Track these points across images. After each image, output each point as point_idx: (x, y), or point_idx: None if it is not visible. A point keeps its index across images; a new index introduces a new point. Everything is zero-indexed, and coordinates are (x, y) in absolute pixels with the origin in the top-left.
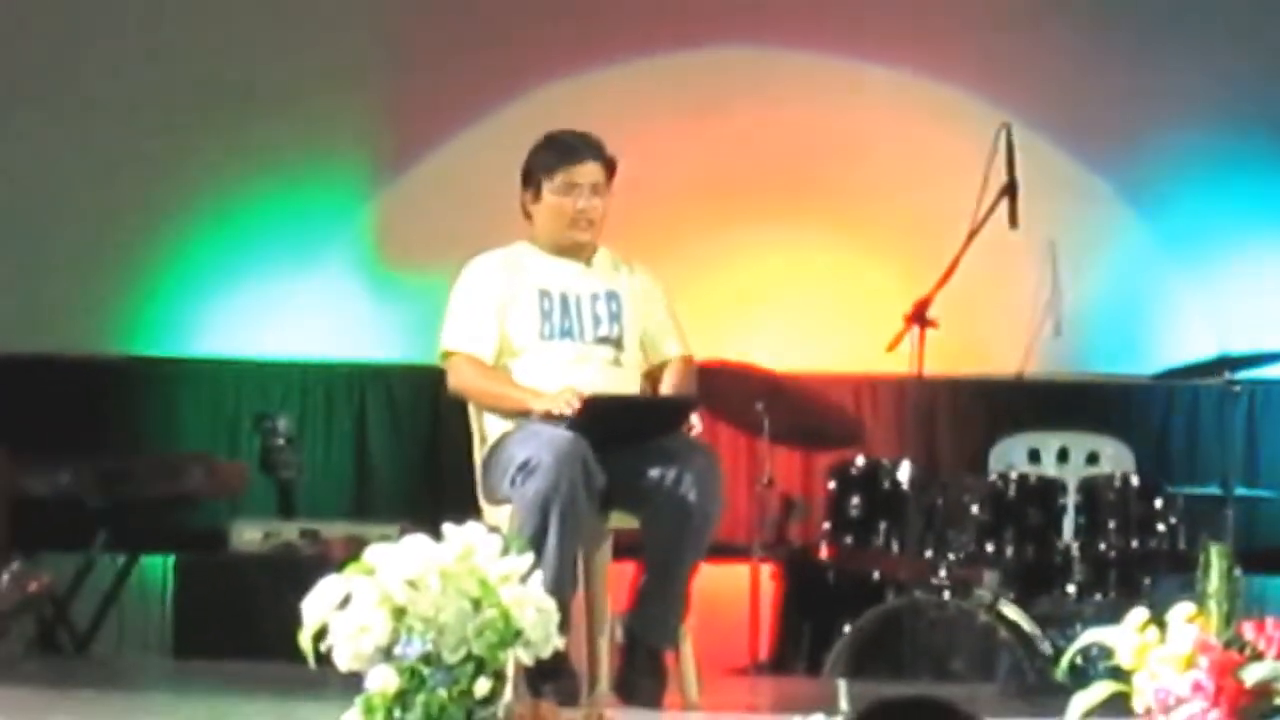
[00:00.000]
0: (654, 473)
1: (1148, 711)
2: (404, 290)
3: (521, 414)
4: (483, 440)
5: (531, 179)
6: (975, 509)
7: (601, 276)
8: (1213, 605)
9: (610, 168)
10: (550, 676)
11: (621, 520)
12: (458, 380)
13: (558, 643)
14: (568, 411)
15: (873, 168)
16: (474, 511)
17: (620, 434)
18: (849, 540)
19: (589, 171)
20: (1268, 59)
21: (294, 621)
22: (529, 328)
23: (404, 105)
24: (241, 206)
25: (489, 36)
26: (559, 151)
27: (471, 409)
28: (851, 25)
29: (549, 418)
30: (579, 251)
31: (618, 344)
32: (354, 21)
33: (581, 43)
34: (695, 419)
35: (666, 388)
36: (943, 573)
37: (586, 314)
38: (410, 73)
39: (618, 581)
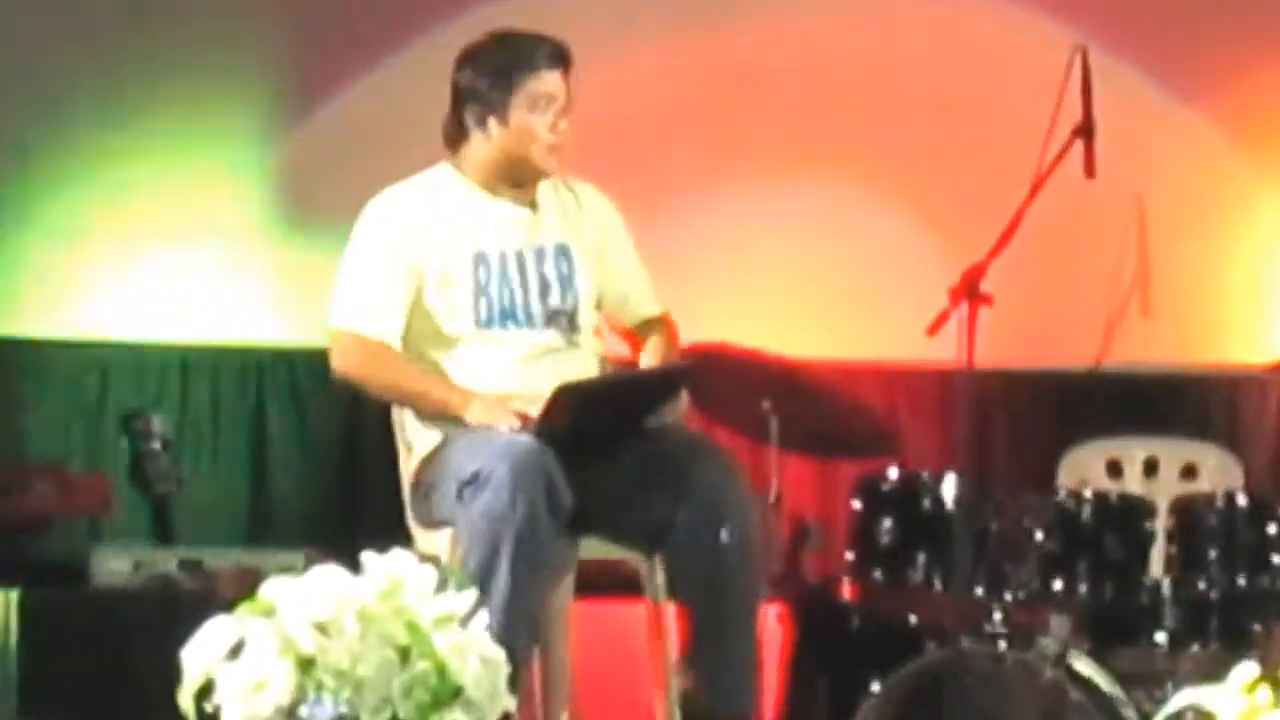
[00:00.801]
0: (660, 494)
1: None
2: (310, 256)
3: (445, 415)
4: (409, 449)
5: (476, 100)
6: (1040, 536)
7: (548, 225)
8: None
9: (568, 73)
10: None
11: (597, 549)
12: (347, 368)
13: (508, 704)
14: (515, 425)
15: (909, 103)
16: (401, 536)
17: (599, 429)
18: (878, 575)
19: (557, 81)
20: None
21: (172, 675)
22: (462, 312)
23: (309, 32)
24: (111, 157)
25: None
26: (522, 53)
27: (395, 411)
28: None
29: (517, 423)
30: (525, 191)
31: (571, 319)
32: None
33: None
34: (683, 400)
35: (650, 358)
36: (998, 617)
37: (533, 283)
38: None
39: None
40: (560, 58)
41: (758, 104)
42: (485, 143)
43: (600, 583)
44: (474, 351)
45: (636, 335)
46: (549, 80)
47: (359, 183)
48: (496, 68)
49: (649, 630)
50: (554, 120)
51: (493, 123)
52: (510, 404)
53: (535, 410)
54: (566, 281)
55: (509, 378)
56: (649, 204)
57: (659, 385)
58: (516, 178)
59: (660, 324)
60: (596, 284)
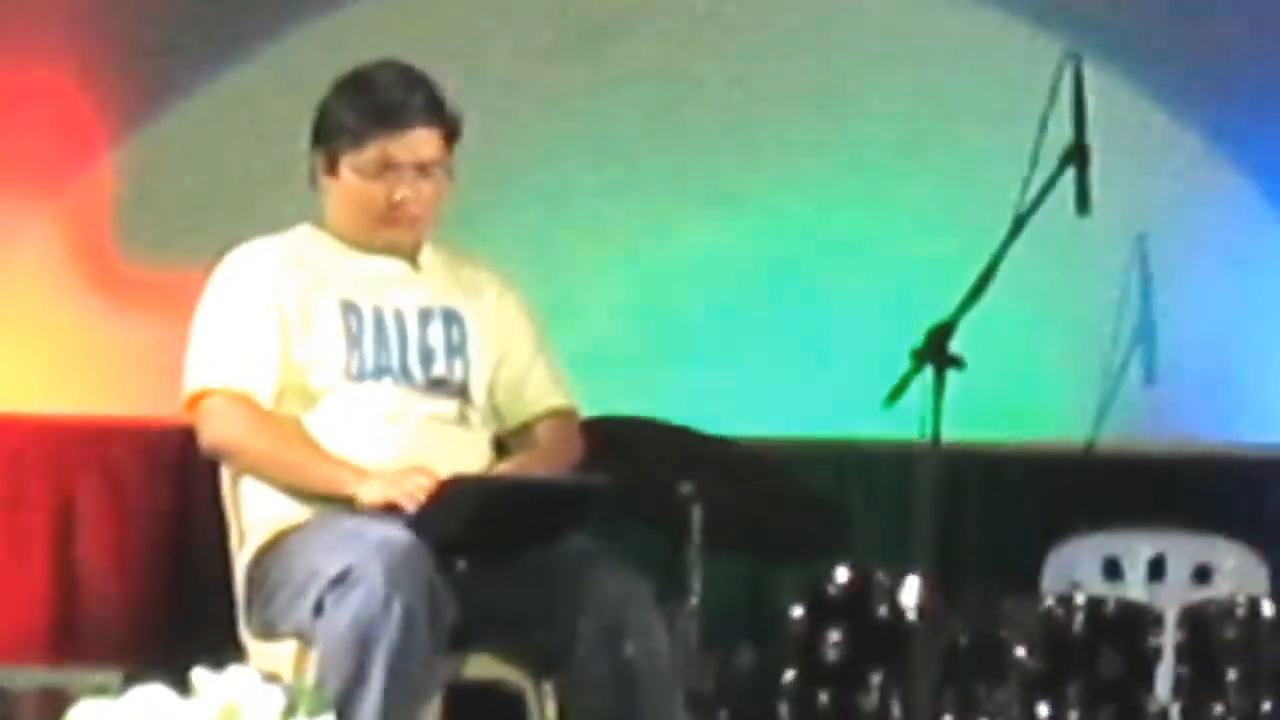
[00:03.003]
0: (554, 608)
1: None
2: (131, 302)
3: (336, 500)
4: (243, 539)
5: (325, 142)
6: (1021, 652)
7: (435, 286)
8: None
9: (451, 132)
10: None
11: (489, 667)
12: (223, 433)
13: None
14: (410, 506)
15: (867, 122)
16: (240, 649)
17: (489, 538)
18: (824, 700)
19: (415, 143)
20: None
21: None
22: (329, 361)
23: (135, 33)
24: None
25: None
26: (370, 110)
27: (228, 487)
28: None
29: (386, 510)
30: (396, 249)
31: (461, 392)
32: None
33: None
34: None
35: (545, 460)
36: None
37: (413, 342)
38: None
39: None
40: (431, 112)
41: (682, 134)
42: (333, 197)
43: (472, 709)
44: (342, 405)
45: (532, 431)
46: (405, 142)
47: (186, 216)
48: (345, 121)
49: None
50: (405, 185)
51: (331, 176)
52: (413, 479)
53: (419, 498)
54: (456, 349)
55: (384, 436)
56: (538, 248)
57: (571, 499)
58: (376, 243)
59: (562, 422)
60: (489, 363)
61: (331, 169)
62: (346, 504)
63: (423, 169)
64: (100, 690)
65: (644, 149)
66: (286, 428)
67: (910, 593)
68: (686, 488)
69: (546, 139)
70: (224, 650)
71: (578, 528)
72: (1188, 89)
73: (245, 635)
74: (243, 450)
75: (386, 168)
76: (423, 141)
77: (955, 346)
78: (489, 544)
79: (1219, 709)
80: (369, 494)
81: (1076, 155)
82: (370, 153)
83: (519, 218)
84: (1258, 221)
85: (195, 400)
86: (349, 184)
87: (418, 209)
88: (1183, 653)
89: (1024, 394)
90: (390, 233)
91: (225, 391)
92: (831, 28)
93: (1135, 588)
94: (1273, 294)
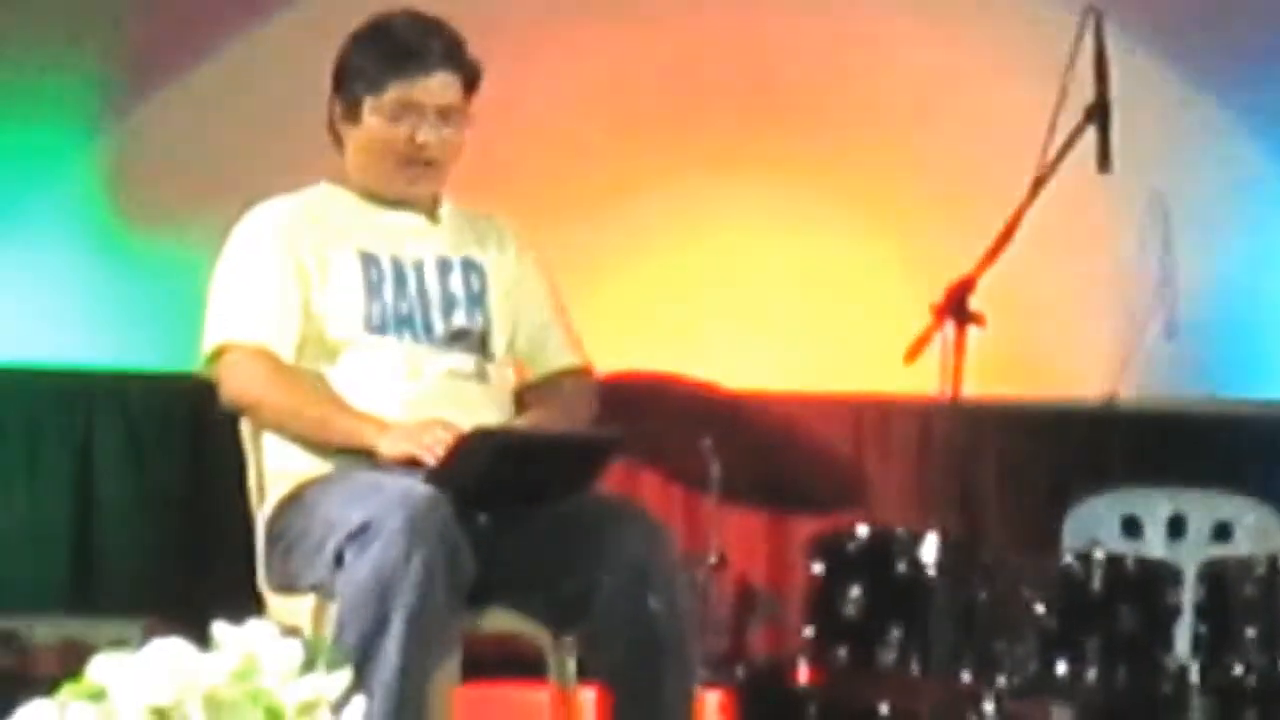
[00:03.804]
0: (575, 562)
1: None
2: (149, 260)
3: (354, 453)
4: (263, 493)
5: (347, 90)
6: (1040, 608)
7: (453, 237)
8: None
9: (471, 80)
10: None
11: (509, 622)
12: (243, 387)
13: None
14: (430, 460)
15: (881, 86)
16: (259, 603)
17: (510, 490)
18: (843, 655)
19: (438, 87)
20: None
21: None
22: (349, 311)
23: (134, 20)
24: None
25: None
26: (391, 55)
27: (249, 440)
28: None
29: (406, 464)
30: (416, 199)
31: (481, 344)
32: None
33: None
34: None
35: (562, 416)
36: (989, 707)
37: (433, 294)
38: None
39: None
40: (451, 59)
41: (697, 96)
42: (352, 145)
43: (491, 663)
44: (361, 358)
45: (549, 386)
46: (425, 86)
47: (203, 177)
48: (367, 65)
49: (555, 717)
50: (427, 128)
51: (352, 123)
52: (432, 432)
53: (440, 451)
54: (476, 299)
55: (403, 393)
56: (564, 211)
57: (589, 452)
58: (391, 192)
59: (578, 379)
60: (508, 315)
61: (352, 115)
62: (367, 457)
63: (443, 113)
64: (120, 642)
65: (659, 106)
66: (307, 382)
67: (929, 549)
68: (706, 443)
69: (563, 92)
70: (243, 603)
71: (594, 479)
72: (1204, 51)
73: (265, 588)
74: (263, 404)
75: (408, 109)
76: (444, 85)
77: (975, 303)
78: (508, 496)
79: (1238, 667)
80: (390, 447)
81: (1098, 113)
82: (391, 94)
83: (534, 169)
84: (1273, 180)
85: (216, 355)
86: (370, 128)
87: (438, 152)
88: (1201, 610)
89: (1044, 351)
90: (411, 174)
91: (245, 346)
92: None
93: (1154, 545)
94: None
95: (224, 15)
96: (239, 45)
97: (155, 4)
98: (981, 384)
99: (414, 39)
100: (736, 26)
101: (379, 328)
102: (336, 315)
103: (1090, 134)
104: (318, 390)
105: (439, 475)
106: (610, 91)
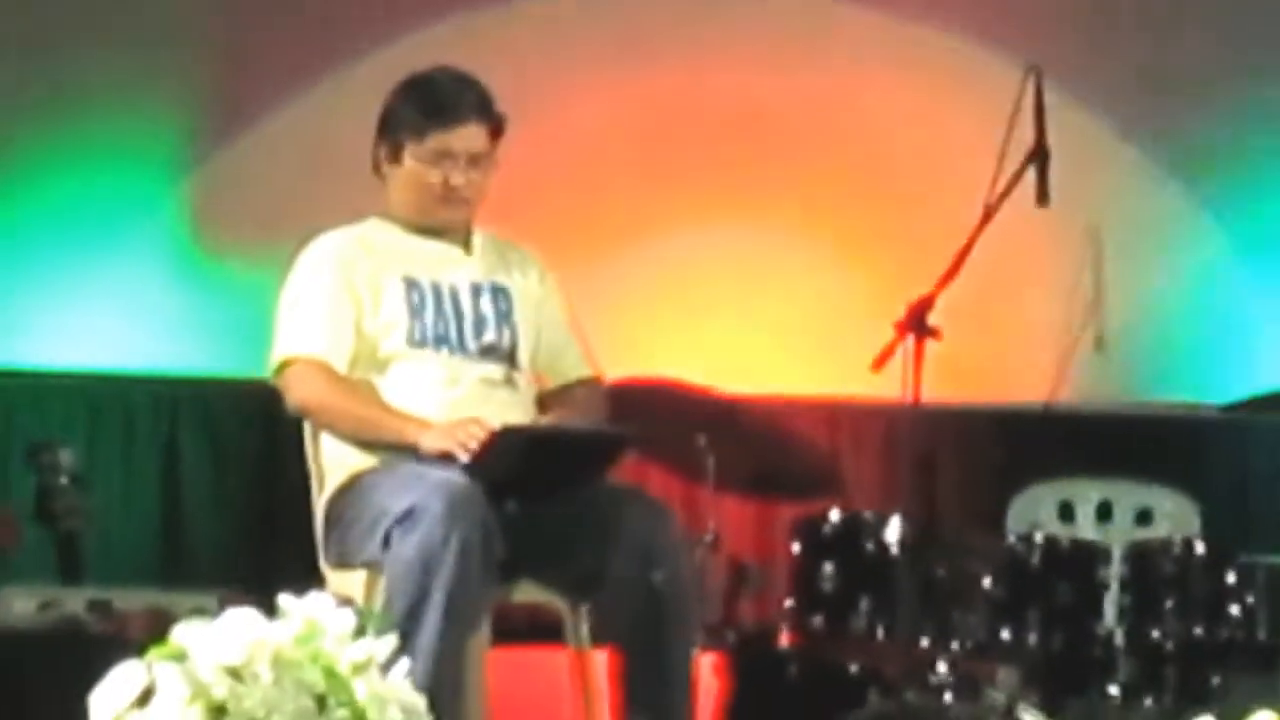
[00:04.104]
0: (590, 541)
1: None
2: (226, 283)
3: (400, 449)
4: (322, 483)
5: (390, 135)
6: (988, 582)
7: (484, 264)
8: None
9: (496, 129)
10: None
11: (534, 594)
12: (305, 395)
13: None
14: (464, 455)
15: (854, 131)
16: (319, 578)
17: (534, 480)
18: (819, 622)
19: (468, 136)
20: None
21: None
22: (395, 329)
23: (233, 54)
24: (17, 176)
25: None
26: (430, 107)
27: (310, 439)
28: None
29: (443, 458)
30: (451, 231)
31: (509, 357)
32: None
33: None
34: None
35: (579, 417)
36: (944, 667)
37: (467, 313)
38: (245, 13)
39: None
40: (480, 111)
41: (690, 134)
42: (395, 183)
43: (518, 629)
44: (406, 370)
45: (566, 393)
46: (457, 136)
47: (274, 210)
48: (408, 117)
49: (571, 679)
50: (458, 171)
51: (395, 164)
52: (466, 429)
53: (475, 445)
54: (503, 318)
55: (441, 399)
56: (575, 235)
57: (603, 447)
58: (430, 223)
59: (590, 387)
60: (532, 333)
61: (395, 158)
62: (411, 452)
63: (473, 159)
64: (199, 611)
65: (668, 151)
66: (359, 389)
67: (893, 531)
68: (702, 440)
69: (582, 139)
70: (305, 578)
71: (607, 470)
72: (1131, 104)
73: (324, 565)
74: (322, 409)
75: (443, 154)
76: (475, 134)
77: (933, 319)
78: (534, 485)
79: (1157, 634)
80: (430, 443)
81: (1038, 156)
82: (430, 143)
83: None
84: (1189, 214)
85: (282, 368)
86: (411, 170)
87: (469, 192)
88: (1126, 585)
89: (991, 361)
90: (445, 211)
91: (307, 360)
92: (831, 54)
93: (1086, 528)
94: (1202, 276)
95: (288, 74)
96: (301, 99)
97: (229, 64)
98: (938, 389)
99: (449, 94)
100: (731, 84)
101: (421, 343)
102: (385, 333)
103: (1031, 174)
104: (368, 396)
105: (474, 467)
106: (623, 140)
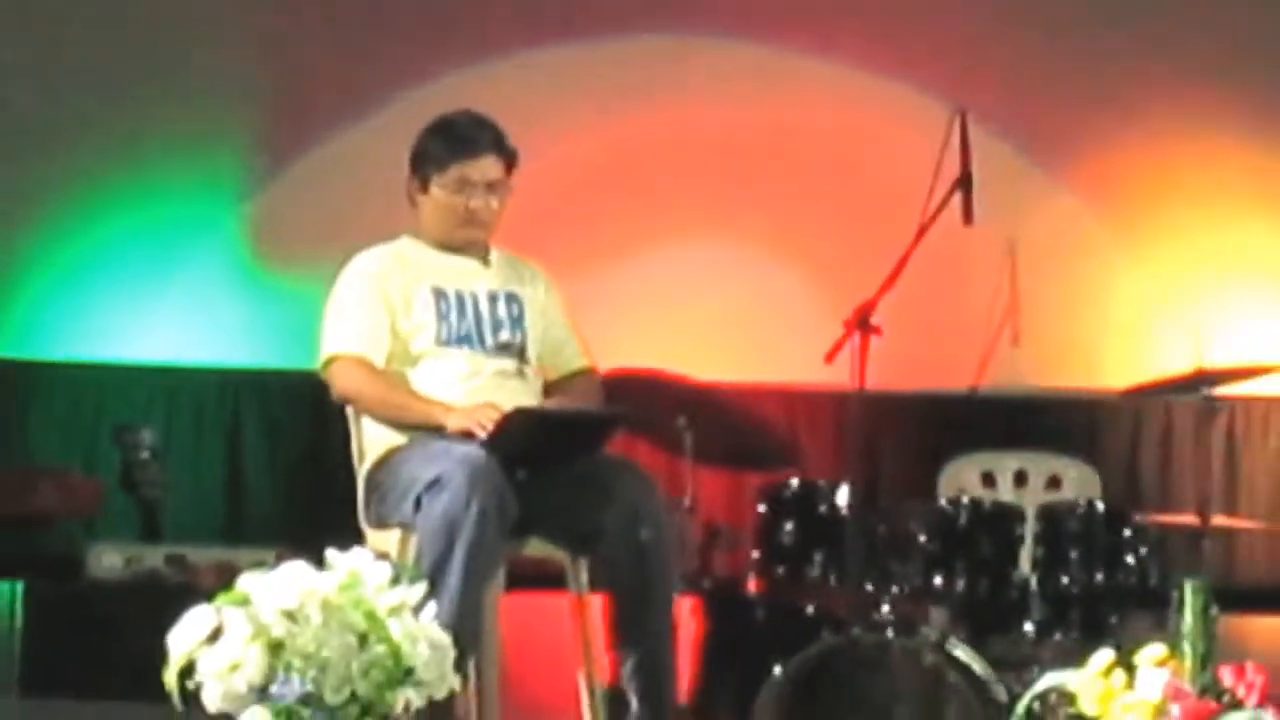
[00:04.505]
0: (589, 504)
1: None
2: (281, 290)
3: (427, 429)
4: (362, 457)
5: (420, 169)
6: (922, 538)
7: (500, 276)
8: (1187, 647)
9: (510, 161)
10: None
11: (542, 549)
12: (347, 385)
13: (454, 684)
14: (482, 434)
15: (809, 162)
16: (360, 536)
17: (541, 453)
18: (781, 571)
19: (485, 168)
20: (1239, 47)
21: (158, 657)
22: (425, 330)
23: (286, 98)
24: (106, 201)
25: (381, 24)
26: (453, 144)
27: (352, 420)
28: (783, 13)
29: (465, 436)
30: (471, 248)
31: (520, 353)
32: (234, 8)
33: (481, 31)
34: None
35: (578, 401)
36: (885, 608)
37: (486, 317)
38: (294, 62)
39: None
40: (496, 146)
41: (680, 174)
42: (424, 209)
43: (527, 577)
44: (434, 365)
45: (567, 382)
46: (476, 167)
47: (322, 228)
48: (434, 152)
49: (573, 620)
50: (478, 197)
51: (424, 193)
52: (484, 412)
53: (491, 425)
54: (516, 322)
55: (464, 389)
56: (575, 249)
57: (598, 425)
58: (455, 242)
59: (588, 376)
60: (539, 332)
61: (424, 188)
62: (438, 431)
63: (491, 187)
64: (259, 564)
65: (654, 177)
66: (393, 379)
67: (843, 496)
68: (681, 420)
69: (580, 169)
70: (348, 536)
71: (603, 445)
72: (1042, 138)
73: (364, 525)
74: (361, 397)
75: (465, 184)
76: (491, 167)
77: (876, 319)
78: (541, 457)
79: (1065, 580)
80: (454, 423)
81: (963, 181)
82: (452, 174)
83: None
84: (1092, 229)
85: (328, 363)
86: (437, 198)
87: (486, 215)
88: (1039, 539)
89: (925, 354)
90: (467, 232)
91: (349, 356)
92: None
93: (1005, 493)
94: (1101, 282)
95: (329, 116)
96: (340, 137)
97: (279, 111)
98: (880, 378)
99: (470, 132)
100: (705, 122)
101: (447, 342)
102: (416, 333)
103: (957, 197)
104: (400, 386)
105: (491, 443)
106: (614, 169)
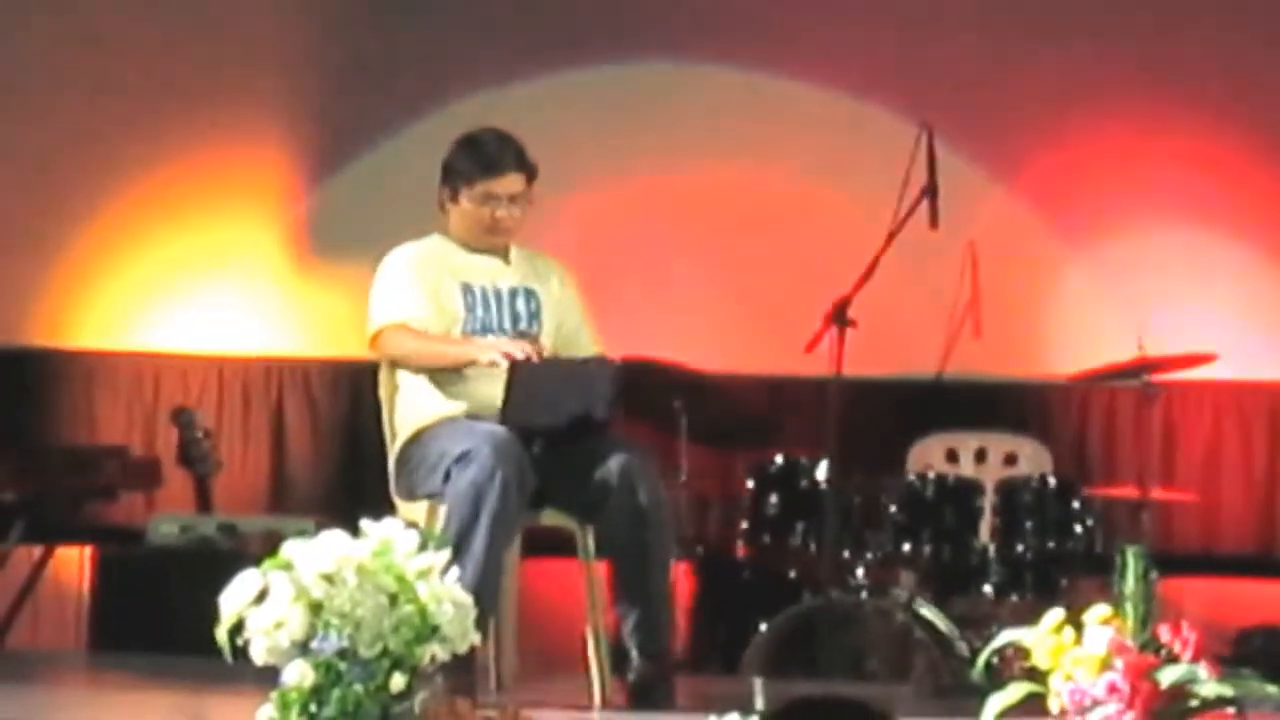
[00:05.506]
0: (594, 478)
1: (1063, 713)
2: (322, 287)
3: (465, 365)
4: (394, 435)
5: (450, 181)
6: (893, 509)
7: (519, 273)
8: (1129, 607)
9: (530, 175)
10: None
11: (555, 518)
12: (394, 348)
13: (475, 640)
14: (520, 355)
15: (791, 171)
16: (391, 507)
17: (552, 415)
18: (766, 539)
19: (509, 183)
20: (1188, 57)
21: (211, 616)
22: (454, 321)
23: (331, 111)
24: (163, 202)
25: (421, 46)
26: (480, 162)
27: (385, 403)
28: (772, 40)
29: (510, 358)
30: (493, 250)
31: (535, 341)
32: (287, 25)
33: (504, 56)
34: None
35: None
36: (860, 572)
37: (506, 309)
38: (341, 78)
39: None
40: (518, 163)
41: (669, 173)
42: (454, 216)
43: (542, 544)
44: None
45: None
46: (501, 183)
47: (362, 231)
48: (463, 168)
49: (581, 583)
50: (502, 208)
51: (454, 203)
52: (520, 344)
53: (521, 353)
54: (533, 315)
55: (482, 370)
56: (583, 247)
57: (593, 374)
58: (481, 245)
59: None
60: (554, 323)
61: (453, 197)
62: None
63: (513, 199)
64: (301, 533)
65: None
66: (429, 333)
67: (822, 471)
68: (677, 404)
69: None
70: (381, 507)
71: (607, 405)
72: (1001, 152)
73: (395, 497)
74: (406, 355)
75: (490, 196)
76: (514, 180)
77: (851, 313)
78: (553, 423)
79: (1020, 546)
80: (485, 357)
81: (930, 190)
82: (479, 189)
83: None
84: (1044, 233)
85: (375, 337)
86: (465, 208)
87: (509, 224)
88: (997, 510)
89: (895, 344)
90: (491, 238)
91: (393, 324)
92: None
93: (966, 468)
94: (1053, 279)
95: (371, 128)
96: (381, 147)
97: (327, 123)
98: (855, 366)
99: (494, 149)
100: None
101: (473, 332)
102: (444, 322)
103: (924, 205)
104: (435, 337)
105: (508, 416)
106: (625, 183)
